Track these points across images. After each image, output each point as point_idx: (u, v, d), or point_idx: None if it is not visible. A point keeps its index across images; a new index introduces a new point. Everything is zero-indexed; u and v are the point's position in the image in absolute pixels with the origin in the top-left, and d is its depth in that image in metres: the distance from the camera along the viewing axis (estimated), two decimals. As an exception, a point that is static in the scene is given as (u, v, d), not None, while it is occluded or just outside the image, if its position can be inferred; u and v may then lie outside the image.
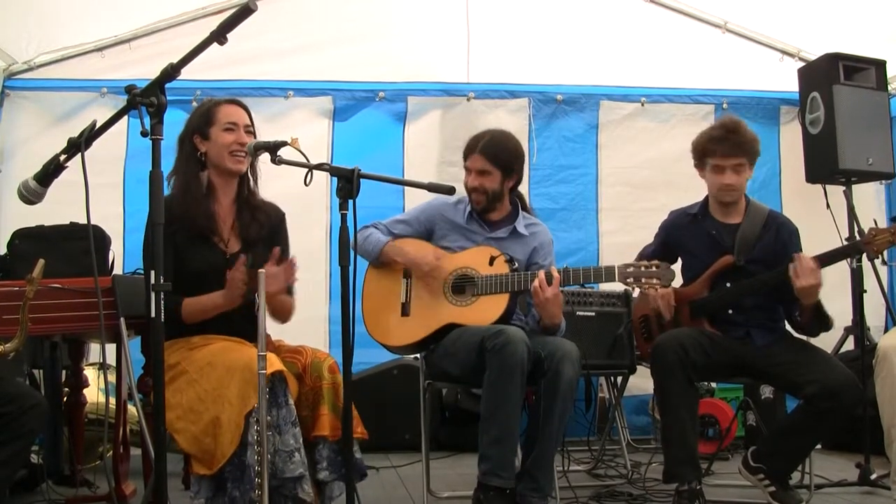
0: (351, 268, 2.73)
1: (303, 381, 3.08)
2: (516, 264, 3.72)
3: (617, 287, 4.41)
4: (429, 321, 3.72)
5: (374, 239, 3.84)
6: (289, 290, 3.34)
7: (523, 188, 4.20)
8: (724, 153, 3.83)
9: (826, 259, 3.67)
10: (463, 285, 3.71)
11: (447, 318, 3.68)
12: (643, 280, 3.48)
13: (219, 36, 2.27)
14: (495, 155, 3.83)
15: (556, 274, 3.52)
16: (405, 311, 3.79)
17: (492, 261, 3.69)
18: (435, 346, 3.73)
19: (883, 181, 5.97)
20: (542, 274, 3.53)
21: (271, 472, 2.72)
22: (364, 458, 3.17)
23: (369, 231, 3.87)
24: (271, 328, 3.13)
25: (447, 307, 3.71)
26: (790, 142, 6.05)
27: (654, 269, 3.47)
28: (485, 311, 3.63)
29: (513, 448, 3.41)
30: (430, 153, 5.98)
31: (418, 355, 3.96)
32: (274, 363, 2.82)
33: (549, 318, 3.64)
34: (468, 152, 3.89)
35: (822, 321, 3.77)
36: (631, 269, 3.50)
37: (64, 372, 4.22)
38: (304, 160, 2.77)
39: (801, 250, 3.84)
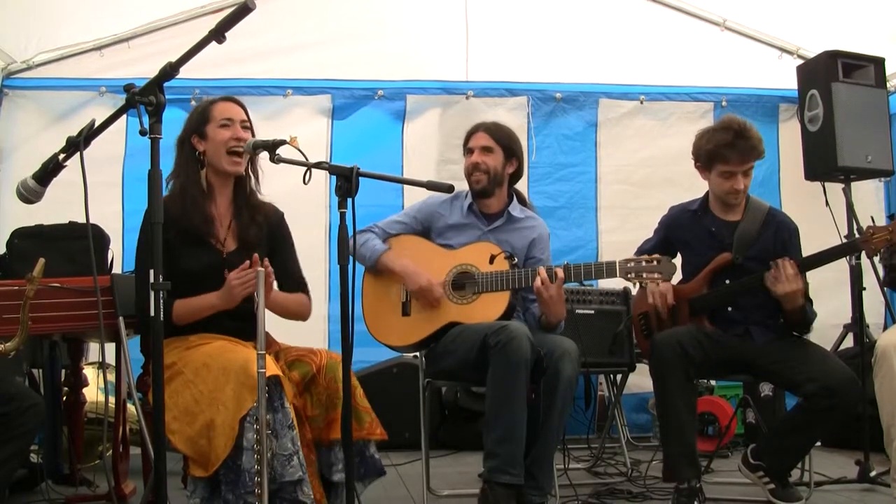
0: (350, 266, 2.73)
1: (316, 381, 3.07)
2: (516, 260, 3.72)
3: (616, 285, 4.42)
4: (430, 320, 3.72)
5: (370, 246, 3.84)
6: (304, 289, 3.39)
7: (523, 186, 4.20)
8: (737, 160, 3.77)
9: (817, 260, 3.68)
10: (463, 282, 3.71)
11: (448, 317, 3.68)
12: (644, 275, 3.46)
13: (217, 34, 2.26)
14: (498, 134, 3.89)
15: (560, 274, 3.53)
16: (405, 310, 3.79)
17: (492, 259, 3.68)
18: (435, 345, 3.73)
19: (882, 178, 5.98)
20: (543, 272, 3.52)
21: (270, 476, 2.71)
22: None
23: (367, 236, 3.86)
24: (274, 329, 3.13)
25: (448, 305, 3.70)
26: (789, 139, 6.05)
27: (654, 263, 3.45)
28: (486, 308, 3.63)
29: (520, 444, 3.38)
30: (429, 151, 5.99)
31: (417, 353, 3.96)
32: (270, 367, 2.79)
33: (553, 317, 3.66)
34: (470, 134, 3.95)
35: (805, 324, 3.80)
36: (632, 263, 3.49)
37: (63, 371, 4.22)
38: (303, 159, 2.76)
39: (800, 249, 3.84)
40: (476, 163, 3.86)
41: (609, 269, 3.53)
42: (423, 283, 3.70)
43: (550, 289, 3.51)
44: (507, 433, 3.36)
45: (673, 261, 3.59)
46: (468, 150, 3.92)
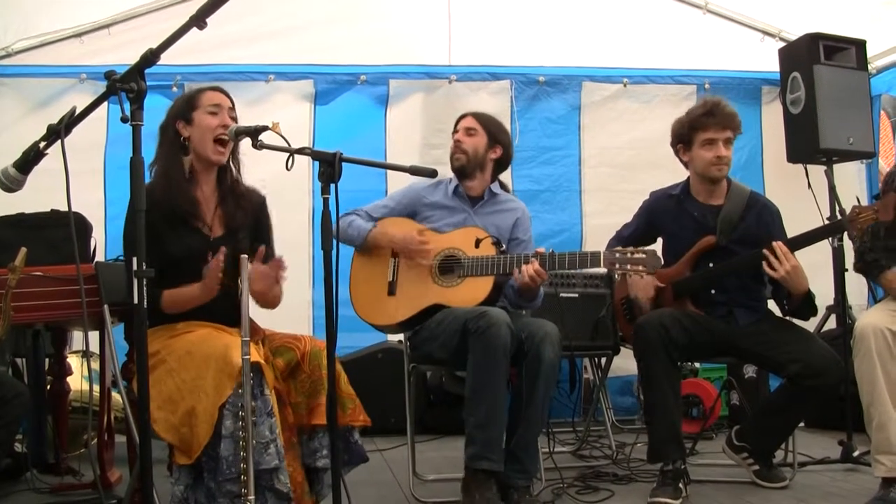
0: (334, 252, 2.72)
1: (300, 368, 3.06)
2: (503, 246, 3.73)
3: (600, 269, 4.42)
4: (414, 301, 3.73)
5: (357, 225, 3.85)
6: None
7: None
8: (716, 126, 3.85)
9: (804, 241, 3.69)
10: (450, 266, 3.72)
11: (433, 298, 3.69)
12: (629, 266, 3.47)
13: (198, 20, 2.25)
14: (484, 120, 3.98)
15: (541, 250, 3.57)
16: (391, 290, 3.80)
17: (478, 243, 3.70)
18: (420, 328, 3.74)
19: (864, 160, 5.99)
20: (530, 269, 3.53)
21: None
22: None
23: (351, 218, 3.88)
24: (258, 314, 3.11)
25: (433, 288, 3.71)
26: (772, 122, 6.07)
27: (640, 255, 3.45)
28: (471, 292, 3.64)
29: (499, 430, 3.42)
30: (413, 136, 5.97)
31: (402, 338, 3.97)
32: (251, 354, 2.79)
33: (529, 293, 3.70)
34: (459, 119, 4.03)
35: (810, 306, 3.80)
36: (617, 255, 3.49)
37: (47, 360, 4.20)
38: (286, 144, 2.75)
39: (783, 231, 3.86)
40: (458, 141, 3.94)
41: (593, 260, 3.55)
42: (415, 241, 3.73)
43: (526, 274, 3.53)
44: (486, 419, 3.38)
45: (657, 252, 3.58)
46: (454, 132, 4.00)
